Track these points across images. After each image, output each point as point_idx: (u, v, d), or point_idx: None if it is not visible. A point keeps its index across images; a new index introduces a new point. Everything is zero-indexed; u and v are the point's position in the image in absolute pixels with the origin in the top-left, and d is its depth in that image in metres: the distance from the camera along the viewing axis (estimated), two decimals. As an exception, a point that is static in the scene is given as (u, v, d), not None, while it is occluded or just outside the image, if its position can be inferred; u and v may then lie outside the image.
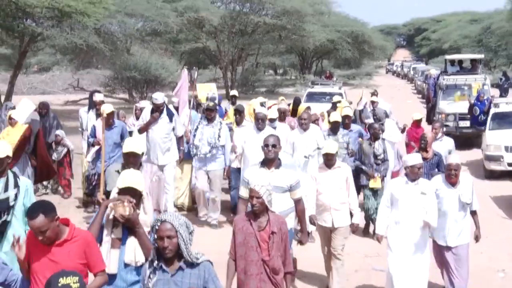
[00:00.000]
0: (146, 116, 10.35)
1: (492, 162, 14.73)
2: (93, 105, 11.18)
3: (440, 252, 7.68)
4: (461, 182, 7.52)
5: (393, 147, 11.75)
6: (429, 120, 21.32)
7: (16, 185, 6.08)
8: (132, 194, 4.99)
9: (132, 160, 6.25)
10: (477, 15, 69.30)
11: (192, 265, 4.14)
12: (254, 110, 10.59)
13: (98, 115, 10.40)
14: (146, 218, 5.04)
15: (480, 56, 25.85)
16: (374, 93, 17.95)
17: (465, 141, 18.01)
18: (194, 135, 10.17)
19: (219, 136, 9.99)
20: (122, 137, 10.00)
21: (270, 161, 6.64)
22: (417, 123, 13.40)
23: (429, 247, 7.43)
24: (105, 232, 5.02)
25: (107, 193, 6.22)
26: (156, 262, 4.16)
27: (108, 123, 9.87)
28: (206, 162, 10.08)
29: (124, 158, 6.39)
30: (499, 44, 51.00)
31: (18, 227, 6.09)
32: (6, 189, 6.03)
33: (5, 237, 6.10)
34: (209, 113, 10.18)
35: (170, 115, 10.35)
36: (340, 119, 10.65)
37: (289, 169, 6.89)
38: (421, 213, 7.15)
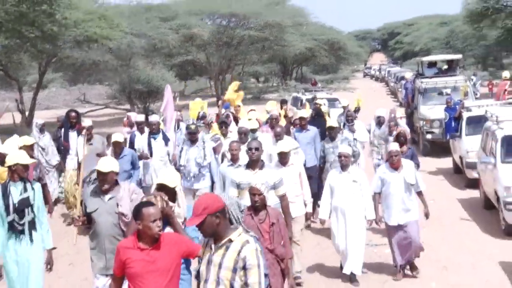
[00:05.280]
0: (143, 141, 10.91)
1: (474, 169, 12.87)
2: (70, 124, 11.06)
3: (393, 233, 8.35)
4: (404, 166, 8.31)
5: (361, 146, 12.13)
6: (410, 126, 18.85)
7: (32, 188, 6.74)
8: (166, 190, 5.54)
9: (101, 178, 6.01)
10: (446, 18, 70.52)
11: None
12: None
13: (88, 139, 10.60)
14: (179, 210, 5.58)
15: (458, 56, 24.11)
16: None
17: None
18: (180, 157, 10.23)
19: (204, 155, 10.07)
20: (133, 165, 10.15)
21: (254, 163, 7.18)
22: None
23: (365, 228, 8.35)
24: None
25: (87, 215, 6.07)
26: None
27: (117, 152, 10.03)
28: (193, 181, 10.04)
29: (97, 176, 6.17)
30: (465, 45, 53.09)
31: (39, 227, 6.75)
32: (25, 190, 6.66)
33: (34, 236, 6.70)
34: (192, 136, 10.16)
35: (166, 140, 10.76)
36: (336, 125, 10.92)
37: (271, 169, 7.48)
38: (354, 198, 8.14)
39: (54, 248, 6.80)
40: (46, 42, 18.28)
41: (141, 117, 12.27)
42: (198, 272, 4.49)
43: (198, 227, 4.34)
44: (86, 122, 11.21)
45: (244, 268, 4.25)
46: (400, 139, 9.80)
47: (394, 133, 10.87)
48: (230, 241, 4.31)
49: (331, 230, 8.44)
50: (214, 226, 4.29)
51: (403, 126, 12.15)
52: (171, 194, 5.53)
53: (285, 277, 6.14)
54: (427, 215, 8.49)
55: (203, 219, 4.25)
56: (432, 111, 18.44)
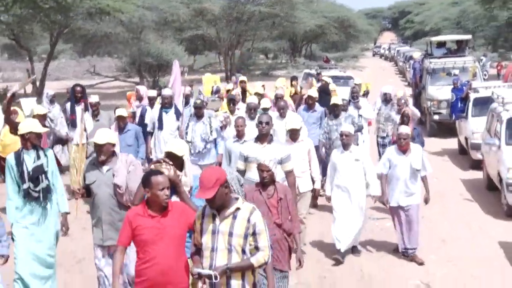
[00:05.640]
0: (154, 113, 10.96)
1: (479, 151, 12.99)
2: (75, 100, 10.98)
3: (394, 214, 8.47)
4: (412, 150, 8.34)
5: (366, 123, 12.39)
6: (417, 106, 18.94)
7: (45, 155, 6.79)
8: (174, 158, 5.59)
9: (97, 149, 6.14)
10: None
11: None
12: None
13: (95, 115, 10.85)
14: (186, 179, 5.62)
15: (468, 37, 23.98)
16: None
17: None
18: (186, 133, 10.28)
19: (210, 131, 10.14)
20: (138, 140, 10.24)
21: (263, 137, 7.26)
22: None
23: (364, 206, 8.42)
24: None
25: (86, 187, 6.23)
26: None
27: (120, 127, 10.11)
28: (200, 157, 10.10)
29: (94, 148, 6.33)
30: (476, 26, 52.62)
31: (54, 193, 6.81)
32: (38, 157, 6.70)
33: (50, 202, 6.77)
34: (198, 111, 10.23)
35: (178, 114, 10.73)
36: (340, 102, 10.88)
37: (280, 144, 7.57)
38: (356, 177, 8.23)
39: (68, 213, 6.98)
40: (59, 12, 18.44)
41: (153, 92, 12.19)
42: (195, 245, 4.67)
43: (207, 200, 4.50)
44: (92, 98, 11.18)
45: (254, 233, 4.52)
46: (403, 119, 9.81)
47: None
48: (237, 209, 4.55)
49: (333, 207, 8.56)
50: (224, 197, 4.52)
51: (412, 107, 12.10)
52: (179, 163, 5.60)
53: (291, 252, 6.22)
54: (426, 201, 8.55)
55: (216, 190, 4.45)
56: (440, 91, 18.38)
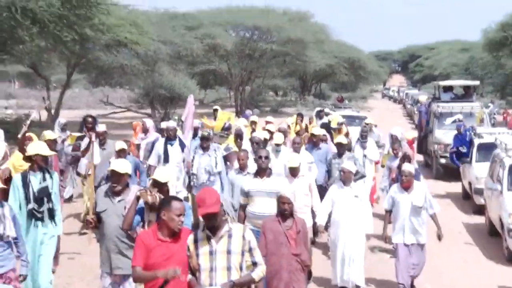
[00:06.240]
0: (159, 146, 10.97)
1: (482, 196, 13.11)
2: (87, 131, 11.09)
3: (398, 251, 8.50)
4: (415, 188, 8.46)
5: (371, 164, 12.65)
6: (421, 150, 20.32)
7: (51, 177, 7.12)
8: (159, 185, 5.90)
9: (115, 179, 6.16)
10: (467, 44, 70.24)
11: None
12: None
13: (102, 144, 10.88)
14: None
15: (475, 82, 24.13)
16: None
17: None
18: (192, 165, 10.38)
19: (216, 163, 10.23)
20: (136, 171, 10.27)
21: (262, 171, 7.56)
22: (410, 142, 13.89)
23: (364, 241, 8.53)
24: (145, 215, 6.05)
25: (97, 214, 6.26)
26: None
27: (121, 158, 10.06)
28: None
29: (109, 176, 6.36)
30: (485, 73, 53.05)
31: (59, 213, 7.15)
32: (44, 179, 7.02)
33: (53, 223, 7.07)
34: (204, 142, 10.33)
35: (182, 146, 10.72)
36: (345, 141, 11.04)
37: (278, 177, 7.88)
38: (354, 213, 8.35)
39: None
40: (78, 44, 19.09)
41: (165, 124, 12.29)
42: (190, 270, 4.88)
43: (209, 217, 4.78)
44: (100, 127, 11.29)
45: (250, 249, 4.88)
46: (404, 160, 9.92)
47: (400, 154, 10.96)
48: (230, 229, 4.87)
49: (330, 243, 8.72)
50: (221, 216, 4.88)
51: (406, 149, 12.17)
52: (165, 189, 5.87)
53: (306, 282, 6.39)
54: (439, 237, 8.59)
55: (220, 206, 4.83)
56: (447, 135, 18.33)
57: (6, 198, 6.63)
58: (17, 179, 6.98)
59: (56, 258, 7.33)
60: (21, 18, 15.28)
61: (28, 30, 15.57)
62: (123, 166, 6.22)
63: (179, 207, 4.91)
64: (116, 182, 6.14)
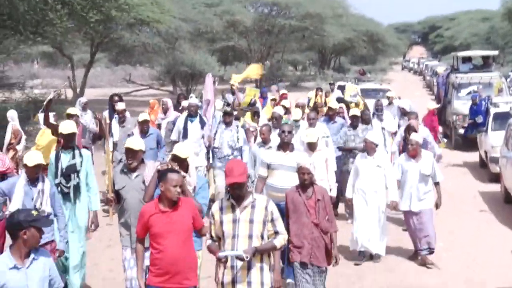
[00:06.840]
0: (180, 122, 11.19)
1: (497, 164, 13.44)
2: (113, 110, 11.43)
3: (407, 219, 8.80)
4: (422, 157, 8.70)
5: (389, 135, 12.52)
6: (441, 121, 18.86)
7: (80, 155, 7.39)
8: (179, 160, 5.95)
9: (130, 155, 6.36)
10: (488, 14, 68.84)
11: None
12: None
13: (121, 122, 11.09)
14: (190, 179, 6.04)
15: (494, 52, 23.83)
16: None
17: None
18: (214, 139, 10.69)
19: (237, 138, 10.51)
20: (158, 143, 10.57)
21: (285, 145, 7.79)
22: (432, 112, 14.22)
23: (385, 211, 8.74)
24: None
25: (115, 192, 6.46)
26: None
27: (143, 131, 10.38)
28: (226, 162, 9.65)
29: (125, 153, 6.53)
30: (505, 42, 52.57)
31: (84, 191, 7.40)
32: (73, 157, 7.33)
33: (78, 198, 7.36)
34: (226, 117, 10.64)
35: (202, 123, 11.02)
36: (358, 114, 11.05)
37: (301, 152, 8.05)
38: (377, 182, 8.59)
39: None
40: (102, 24, 19.60)
41: (185, 103, 12.45)
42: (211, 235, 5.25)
43: (235, 186, 5.06)
44: (119, 105, 11.34)
45: (272, 220, 5.26)
46: (409, 131, 9.95)
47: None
48: (255, 199, 5.19)
49: (353, 211, 8.95)
50: (246, 187, 5.18)
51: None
52: (184, 164, 5.98)
53: (327, 249, 6.52)
54: (437, 205, 8.82)
55: (247, 176, 5.21)
56: (466, 106, 18.29)
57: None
58: (52, 156, 7.45)
59: (89, 230, 7.58)
60: (52, 1, 15.85)
61: (57, 12, 16.12)
62: (138, 143, 6.46)
63: (175, 179, 5.17)
64: (131, 158, 6.35)
